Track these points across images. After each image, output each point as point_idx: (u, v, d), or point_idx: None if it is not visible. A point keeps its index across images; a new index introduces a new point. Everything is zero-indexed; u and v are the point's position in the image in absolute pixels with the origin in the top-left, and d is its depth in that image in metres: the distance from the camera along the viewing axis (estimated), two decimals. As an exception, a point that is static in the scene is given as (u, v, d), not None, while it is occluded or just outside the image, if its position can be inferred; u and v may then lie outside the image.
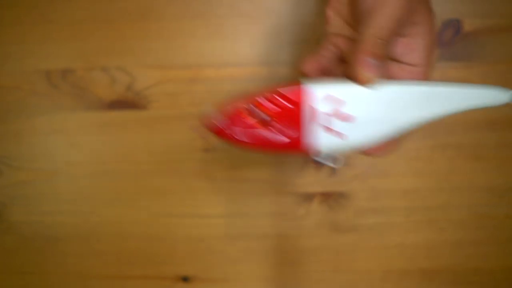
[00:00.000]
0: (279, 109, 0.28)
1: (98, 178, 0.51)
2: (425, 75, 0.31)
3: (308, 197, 0.51)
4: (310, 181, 0.51)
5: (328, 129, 0.28)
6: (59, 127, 0.50)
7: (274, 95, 0.28)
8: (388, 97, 0.29)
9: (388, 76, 0.32)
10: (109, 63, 0.49)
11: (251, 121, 0.28)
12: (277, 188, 0.51)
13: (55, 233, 0.52)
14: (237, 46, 0.48)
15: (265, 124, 0.28)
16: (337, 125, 0.28)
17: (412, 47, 0.31)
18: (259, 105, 0.28)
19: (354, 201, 0.51)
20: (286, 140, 0.28)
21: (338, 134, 0.29)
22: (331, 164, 0.30)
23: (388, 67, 0.32)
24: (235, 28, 0.48)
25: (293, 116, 0.28)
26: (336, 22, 0.35)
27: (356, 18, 0.32)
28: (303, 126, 0.28)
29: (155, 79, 0.48)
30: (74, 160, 0.50)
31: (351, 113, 0.29)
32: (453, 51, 0.48)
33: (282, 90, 0.28)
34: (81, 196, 0.51)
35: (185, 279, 0.52)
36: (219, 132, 0.29)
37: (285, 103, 0.28)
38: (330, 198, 0.51)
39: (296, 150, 0.29)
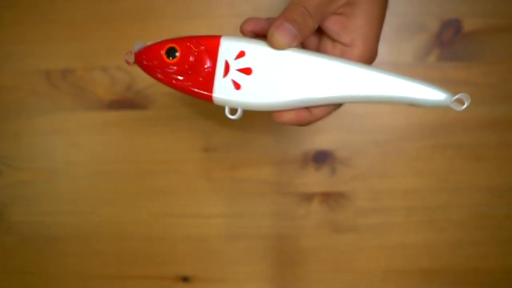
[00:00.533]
0: (194, 53, 0.30)
1: (98, 178, 0.51)
2: (361, 58, 0.30)
3: (308, 197, 0.51)
4: (310, 181, 0.51)
5: (227, 76, 0.29)
6: (59, 127, 0.50)
7: (194, 40, 0.30)
8: (296, 64, 0.29)
9: (319, 51, 0.31)
10: (109, 63, 0.49)
11: (167, 61, 0.30)
12: (277, 188, 0.51)
13: (55, 233, 0.52)
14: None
15: (178, 64, 0.30)
16: (236, 75, 0.29)
17: (344, 25, 0.30)
18: (179, 45, 0.30)
19: (354, 201, 0.51)
20: (190, 79, 0.30)
21: (235, 83, 0.29)
22: (228, 114, 0.30)
23: (324, 45, 0.31)
24: (235, 28, 0.48)
25: (205, 62, 0.30)
26: None
27: None
28: (212, 74, 0.30)
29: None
30: (74, 160, 0.50)
31: (249, 65, 0.29)
32: (453, 51, 0.48)
33: (202, 38, 0.30)
34: (81, 196, 0.51)
35: (185, 279, 0.52)
36: (140, 63, 0.31)
37: (203, 49, 0.30)
38: (330, 198, 0.51)
39: (200, 95, 0.30)
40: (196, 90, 0.30)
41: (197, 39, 0.30)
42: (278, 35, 0.28)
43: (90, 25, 0.48)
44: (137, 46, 0.31)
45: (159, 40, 0.31)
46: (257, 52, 0.29)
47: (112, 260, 0.52)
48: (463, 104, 0.27)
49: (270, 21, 0.32)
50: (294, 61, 0.29)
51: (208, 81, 0.30)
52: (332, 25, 0.30)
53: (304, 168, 0.50)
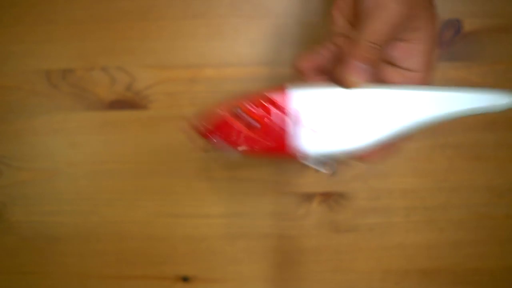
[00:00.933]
0: (265, 113, 0.28)
1: (98, 178, 0.51)
2: (423, 81, 0.30)
3: (308, 197, 0.51)
4: (310, 181, 0.51)
5: (312, 132, 0.29)
6: (59, 127, 0.50)
7: (260, 99, 0.29)
8: (376, 100, 0.29)
9: (384, 80, 0.31)
10: (109, 63, 0.49)
11: (238, 125, 0.29)
12: (277, 188, 0.51)
13: (55, 233, 0.52)
14: (237, 46, 0.48)
15: (251, 128, 0.29)
16: (321, 127, 0.29)
17: (410, 52, 0.30)
18: (245, 110, 0.29)
19: (354, 201, 0.51)
20: (272, 143, 0.29)
21: (324, 136, 0.29)
22: (322, 169, 0.30)
23: (384, 71, 0.31)
24: (235, 28, 0.48)
25: (278, 119, 0.29)
26: (340, 22, 0.34)
27: (357, 19, 0.31)
28: (288, 129, 0.29)
29: (155, 79, 0.48)
30: (74, 160, 0.50)
31: (335, 115, 0.29)
32: (453, 51, 0.48)
33: (268, 94, 0.29)
34: (81, 196, 0.51)
35: (185, 279, 0.52)
36: (206, 136, 0.29)
37: (271, 107, 0.29)
38: (330, 198, 0.51)
39: (282, 153, 0.29)
40: (283, 152, 0.29)
41: (262, 97, 0.29)
42: (351, 76, 0.28)
43: (90, 25, 0.48)
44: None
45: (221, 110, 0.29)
46: (331, 97, 0.29)
47: (112, 260, 0.52)
48: None
49: (324, 54, 0.31)
50: (370, 96, 0.29)
51: (290, 140, 0.29)
52: (395, 52, 0.30)
53: (304, 168, 0.50)
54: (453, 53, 0.48)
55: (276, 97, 0.29)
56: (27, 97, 0.49)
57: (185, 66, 0.48)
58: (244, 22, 0.47)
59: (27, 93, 0.49)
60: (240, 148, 0.29)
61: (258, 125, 0.28)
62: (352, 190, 0.51)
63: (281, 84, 0.29)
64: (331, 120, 0.29)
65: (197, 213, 0.51)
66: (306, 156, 0.29)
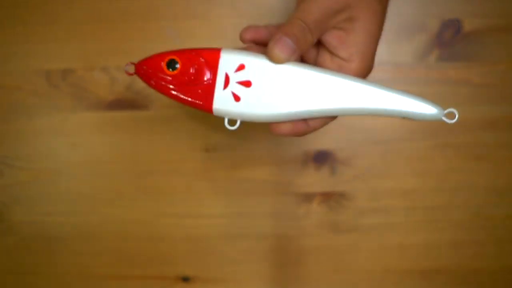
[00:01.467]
0: (190, 63, 0.31)
1: (98, 178, 0.51)
2: (355, 72, 0.31)
3: (308, 197, 0.51)
4: (310, 181, 0.51)
5: (226, 88, 0.30)
6: (59, 127, 0.50)
7: (194, 53, 0.31)
8: (294, 77, 0.30)
9: (319, 64, 0.32)
10: (109, 63, 0.49)
11: (167, 72, 0.31)
12: (277, 188, 0.51)
13: (56, 233, 0.52)
14: (237, 46, 0.48)
15: (177, 75, 0.31)
16: (235, 87, 0.30)
17: (344, 41, 0.30)
18: (178, 58, 0.31)
19: (354, 201, 0.51)
20: (189, 90, 0.31)
21: (234, 96, 0.30)
22: (227, 125, 0.31)
23: (321, 57, 0.32)
24: (235, 28, 0.48)
25: (201, 71, 0.31)
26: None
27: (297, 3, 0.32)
28: (211, 86, 0.31)
29: (155, 79, 0.48)
30: (74, 160, 0.50)
31: (249, 78, 0.30)
32: (453, 51, 0.48)
33: (202, 50, 0.31)
34: (81, 196, 0.51)
35: (185, 279, 0.52)
36: (140, 74, 0.31)
37: (203, 62, 0.31)
38: (330, 198, 0.51)
39: (197, 102, 0.31)
40: (196, 101, 0.31)
41: (198, 52, 0.31)
42: (277, 50, 0.29)
43: (90, 25, 0.48)
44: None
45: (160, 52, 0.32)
46: (256, 66, 0.30)
47: (112, 260, 0.52)
48: (454, 117, 0.29)
49: (270, 29, 0.33)
50: (292, 75, 0.30)
51: (208, 93, 0.31)
52: (331, 39, 0.31)
53: (304, 168, 0.50)
54: (453, 53, 0.48)
55: (209, 54, 0.31)
56: (28, 97, 0.49)
57: (185, 66, 0.48)
58: (244, 22, 0.47)
59: (27, 93, 0.49)
60: (161, 89, 0.31)
61: (183, 73, 0.31)
62: (352, 190, 0.51)
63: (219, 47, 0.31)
64: (245, 82, 0.30)
65: (197, 213, 0.51)
66: (216, 110, 0.31)
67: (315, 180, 0.51)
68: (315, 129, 0.33)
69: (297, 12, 0.30)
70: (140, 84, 0.49)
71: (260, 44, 0.33)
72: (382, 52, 0.48)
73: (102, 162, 0.51)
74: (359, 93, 0.30)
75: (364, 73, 0.31)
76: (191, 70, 0.31)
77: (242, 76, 0.30)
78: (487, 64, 0.48)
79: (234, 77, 0.30)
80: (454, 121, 0.29)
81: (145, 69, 0.31)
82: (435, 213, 0.51)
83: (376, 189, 0.51)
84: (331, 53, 0.31)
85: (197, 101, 0.31)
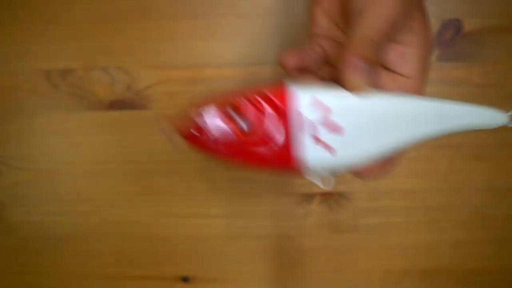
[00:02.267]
0: (261, 114, 0.23)
1: (98, 178, 0.51)
2: (417, 89, 0.28)
3: (308, 197, 0.51)
4: (310, 181, 0.51)
5: (317, 140, 0.24)
6: (59, 127, 0.50)
7: (256, 96, 0.24)
8: (380, 109, 0.26)
9: (377, 85, 0.29)
10: (109, 63, 0.49)
11: (228, 126, 0.24)
12: (277, 188, 0.51)
13: (55, 233, 0.52)
14: (237, 46, 0.48)
15: (244, 132, 0.24)
16: (326, 136, 0.24)
17: (405, 56, 0.28)
18: (238, 108, 0.24)
19: (354, 201, 0.51)
20: (269, 151, 0.24)
21: (327, 147, 0.25)
22: (320, 184, 0.26)
23: (377, 76, 0.29)
24: (235, 28, 0.48)
25: (277, 123, 0.24)
26: (323, 22, 0.32)
27: (347, 18, 0.29)
28: (289, 135, 0.24)
29: (155, 79, 0.48)
30: (74, 160, 0.50)
31: (340, 123, 0.25)
32: (453, 51, 0.48)
33: (266, 91, 0.24)
34: (81, 196, 0.51)
35: (185, 279, 0.52)
36: (190, 138, 0.24)
37: (268, 106, 0.23)
38: (330, 198, 0.51)
39: (281, 165, 0.25)
40: (280, 162, 0.24)
41: (257, 92, 0.23)
42: (354, 76, 0.25)
43: (90, 25, 0.48)
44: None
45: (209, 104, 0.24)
46: (341, 104, 0.25)
47: (112, 260, 0.52)
48: None
49: (313, 57, 0.29)
50: (377, 105, 0.25)
51: (289, 149, 0.24)
52: (391, 55, 0.28)
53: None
54: (453, 53, 0.48)
55: (274, 94, 0.24)
56: (27, 97, 0.49)
57: (185, 66, 0.48)
58: (244, 22, 0.47)
59: (27, 93, 0.49)
60: (226, 155, 0.24)
61: (249, 128, 0.24)
62: (352, 190, 0.51)
63: (279, 80, 0.25)
64: (335, 126, 0.24)
65: (197, 213, 0.51)
66: (307, 169, 0.25)
67: (315, 180, 0.51)
68: (395, 162, 0.29)
69: (361, 29, 0.26)
70: (140, 84, 0.49)
71: (302, 70, 0.29)
72: (382, 52, 0.48)
73: (102, 162, 0.51)
74: (438, 113, 0.26)
75: (422, 90, 0.28)
76: (266, 124, 0.23)
77: (330, 120, 0.24)
78: (487, 64, 0.48)
79: (321, 124, 0.24)
80: None
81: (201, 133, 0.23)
82: (435, 213, 0.51)
83: (376, 189, 0.50)
84: (389, 70, 0.28)
85: (281, 162, 0.24)
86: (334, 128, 0.24)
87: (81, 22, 0.48)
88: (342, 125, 0.24)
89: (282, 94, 0.24)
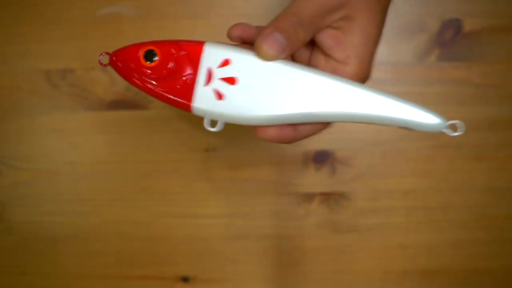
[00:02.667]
0: (175, 60, 0.28)
1: (98, 178, 0.51)
2: (348, 74, 0.28)
3: (308, 197, 0.51)
4: (310, 181, 0.51)
5: (210, 85, 0.28)
6: (59, 127, 0.50)
7: (176, 45, 0.28)
8: (285, 77, 0.27)
9: (312, 65, 0.30)
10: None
11: (144, 64, 0.28)
12: (277, 188, 0.51)
13: (55, 233, 0.52)
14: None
15: (156, 72, 0.28)
16: (219, 84, 0.27)
17: (339, 41, 0.28)
18: (157, 49, 0.28)
19: (354, 201, 0.51)
20: (167, 85, 0.28)
21: (218, 94, 0.27)
22: (208, 127, 0.28)
23: (315, 58, 0.30)
24: (235, 28, 0.48)
25: (180, 65, 0.28)
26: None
27: None
28: (187, 77, 0.28)
29: (155, 79, 0.48)
30: (74, 160, 0.50)
31: (235, 75, 0.27)
32: (453, 51, 0.48)
33: (185, 43, 0.28)
34: (81, 196, 0.51)
35: (185, 279, 0.52)
36: (115, 65, 0.29)
37: (184, 55, 0.28)
38: (330, 198, 0.51)
39: (175, 101, 0.28)
40: (173, 97, 0.28)
41: (179, 44, 0.28)
42: (266, 45, 0.27)
43: (90, 25, 0.48)
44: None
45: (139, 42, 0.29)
46: (243, 62, 0.28)
47: (112, 260, 0.52)
48: (456, 130, 0.27)
49: (260, 29, 0.30)
50: (282, 74, 0.27)
51: (188, 89, 0.28)
52: (326, 39, 0.29)
53: (304, 168, 0.50)
54: (453, 53, 0.48)
55: (191, 47, 0.28)
56: (27, 97, 0.49)
57: (185, 66, 0.48)
58: (244, 22, 0.47)
59: (27, 93, 0.49)
60: (137, 82, 0.28)
61: (162, 66, 0.28)
62: (352, 190, 0.51)
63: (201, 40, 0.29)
64: (230, 78, 0.27)
65: (197, 213, 0.51)
66: (196, 110, 0.28)
67: (315, 180, 0.51)
68: (304, 136, 0.30)
69: (290, 7, 0.27)
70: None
71: (248, 44, 0.30)
72: (382, 52, 0.48)
73: (102, 162, 0.51)
74: (354, 97, 0.27)
75: (360, 78, 0.29)
76: (170, 64, 0.28)
77: (227, 72, 0.27)
78: (487, 64, 0.48)
79: (218, 73, 0.28)
80: (456, 134, 0.27)
81: (120, 60, 0.28)
82: (435, 213, 0.51)
83: (376, 189, 0.50)
84: (326, 54, 0.29)
85: (175, 98, 0.28)
86: (228, 79, 0.28)
87: (81, 22, 0.48)
88: (237, 77, 0.27)
89: (195, 46, 0.28)
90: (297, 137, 0.30)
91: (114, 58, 0.28)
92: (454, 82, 0.48)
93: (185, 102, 0.28)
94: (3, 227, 0.52)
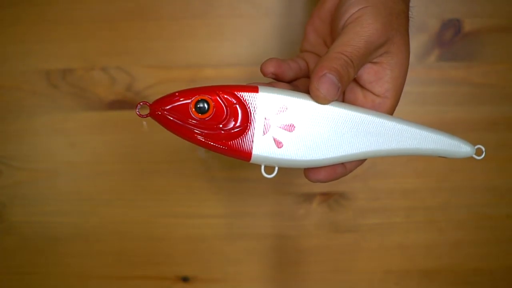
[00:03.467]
0: (229, 110, 0.27)
1: (98, 178, 0.51)
2: (388, 108, 0.30)
3: (308, 197, 0.51)
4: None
5: (274, 140, 0.28)
6: (59, 127, 0.50)
7: (227, 92, 0.27)
8: (338, 119, 0.28)
9: (350, 100, 0.31)
10: (109, 63, 0.49)
11: (196, 116, 0.27)
12: (277, 188, 0.51)
13: (55, 233, 0.52)
14: (237, 46, 0.48)
15: (209, 123, 0.27)
16: (277, 131, 0.27)
17: (380, 76, 0.29)
18: (207, 98, 0.27)
19: (354, 201, 0.51)
20: (227, 141, 0.27)
21: (276, 141, 0.28)
22: (263, 172, 0.28)
23: (352, 92, 0.31)
24: (235, 28, 0.48)
25: (235, 114, 0.27)
26: (312, 39, 0.34)
27: (333, 36, 0.31)
28: (244, 126, 0.27)
29: (155, 79, 0.48)
30: (74, 160, 0.50)
31: (293, 122, 0.27)
32: (453, 51, 0.48)
33: (237, 90, 0.27)
34: (81, 196, 0.51)
35: (185, 279, 0.52)
36: (158, 117, 0.27)
37: (237, 104, 0.27)
38: (330, 198, 0.51)
39: (235, 155, 0.28)
40: (232, 149, 0.27)
41: (231, 91, 0.27)
42: (323, 90, 0.27)
43: (90, 25, 0.48)
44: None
45: (180, 90, 0.28)
46: (299, 107, 0.27)
47: (112, 260, 0.52)
48: (481, 154, 0.30)
49: (291, 65, 0.31)
50: (336, 117, 0.28)
51: (246, 139, 0.27)
52: (366, 74, 0.29)
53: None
54: (453, 53, 0.48)
55: (245, 94, 0.27)
56: (27, 97, 0.49)
57: (185, 66, 0.48)
58: (244, 22, 0.48)
59: (27, 93, 0.49)
60: (189, 137, 0.27)
61: (216, 117, 0.27)
62: (352, 190, 0.51)
63: (254, 83, 0.29)
64: (288, 125, 0.28)
65: (197, 213, 0.51)
66: (253, 157, 0.28)
67: (315, 180, 0.51)
68: (351, 171, 0.31)
69: (339, 45, 0.27)
70: (140, 84, 0.49)
71: (280, 79, 0.31)
72: (382, 52, 0.48)
73: (102, 162, 0.51)
74: (399, 135, 0.28)
75: (395, 109, 0.30)
76: (224, 113, 0.27)
77: (285, 119, 0.27)
78: (487, 64, 0.48)
79: (276, 121, 0.27)
80: (482, 156, 0.29)
81: (165, 111, 0.26)
82: (435, 213, 0.51)
83: (376, 189, 0.50)
84: (364, 88, 0.30)
85: (233, 149, 0.27)
86: (287, 127, 0.28)
87: (81, 22, 0.48)
88: (295, 124, 0.27)
89: (252, 94, 0.27)
90: (346, 173, 0.31)
91: (157, 109, 0.27)
92: (454, 82, 0.48)
93: (245, 153, 0.27)
94: (3, 227, 0.52)
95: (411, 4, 0.31)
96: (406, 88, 0.50)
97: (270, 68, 0.30)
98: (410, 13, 0.31)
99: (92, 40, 0.48)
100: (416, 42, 0.48)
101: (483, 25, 0.47)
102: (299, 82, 0.33)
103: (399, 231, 0.51)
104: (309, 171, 0.30)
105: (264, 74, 0.31)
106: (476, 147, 0.29)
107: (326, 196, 0.51)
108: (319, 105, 0.28)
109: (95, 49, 0.48)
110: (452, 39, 0.48)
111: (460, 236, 0.51)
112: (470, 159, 0.49)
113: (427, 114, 0.49)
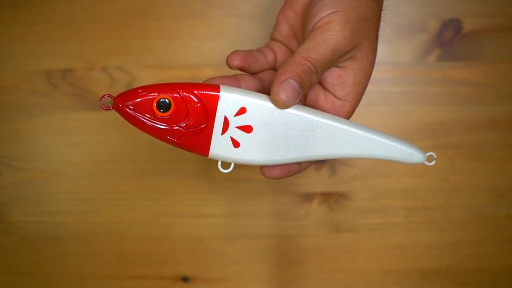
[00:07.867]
0: (189, 109, 0.28)
1: (98, 178, 0.51)
2: (346, 111, 0.30)
3: (308, 197, 0.51)
4: (310, 181, 0.51)
5: (228, 136, 0.29)
6: (59, 127, 0.50)
7: (189, 94, 0.28)
8: (294, 123, 0.29)
9: (311, 100, 0.31)
10: (109, 63, 0.49)
11: (158, 113, 0.28)
12: (277, 188, 0.51)
13: (55, 233, 0.52)
14: (237, 46, 0.48)
15: (170, 121, 0.28)
16: (235, 132, 0.29)
17: (342, 80, 0.29)
18: (173, 100, 0.28)
19: (354, 201, 0.51)
20: (187, 139, 0.29)
21: (235, 142, 0.29)
22: (220, 168, 0.30)
23: (315, 93, 0.31)
24: (235, 28, 0.48)
25: (199, 116, 0.28)
26: (284, 29, 0.34)
27: (303, 34, 0.30)
28: (209, 132, 0.28)
29: (155, 79, 0.48)
30: (74, 160, 0.50)
31: (250, 123, 0.29)
32: (453, 51, 0.48)
33: (199, 91, 0.28)
34: (81, 196, 0.51)
35: (185, 279, 0.52)
36: (121, 110, 0.28)
37: (198, 105, 0.28)
38: (330, 198, 0.51)
39: (193, 151, 0.29)
40: (189, 146, 0.29)
41: (192, 90, 0.28)
42: (283, 95, 0.27)
43: (90, 25, 0.48)
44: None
45: (142, 85, 0.28)
46: (258, 109, 0.28)
47: (112, 260, 0.52)
48: (432, 160, 0.30)
49: (258, 58, 0.31)
50: (293, 121, 0.29)
51: (204, 137, 0.29)
52: (330, 77, 0.30)
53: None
54: (453, 53, 0.48)
55: (206, 95, 0.28)
56: (27, 97, 0.49)
57: (185, 66, 0.48)
58: (244, 22, 0.48)
59: (27, 93, 0.49)
60: (148, 130, 0.29)
61: (176, 115, 0.28)
62: (352, 190, 0.51)
63: (218, 76, 0.30)
64: (246, 126, 0.29)
65: (197, 213, 0.51)
66: (217, 158, 0.29)
67: (315, 180, 0.51)
68: (305, 168, 0.32)
69: (305, 50, 0.28)
70: (140, 84, 0.48)
71: (246, 71, 0.32)
72: (382, 52, 0.48)
73: (102, 162, 0.51)
74: (352, 140, 0.29)
75: (353, 112, 0.31)
76: (185, 112, 0.28)
77: (243, 120, 0.28)
78: (487, 64, 0.48)
79: (234, 121, 0.28)
80: (433, 163, 0.30)
81: (128, 106, 0.28)
82: (436, 213, 0.51)
83: (376, 189, 0.50)
84: (326, 89, 0.30)
85: (191, 146, 0.29)
86: (245, 128, 0.29)
87: (81, 22, 0.48)
88: (253, 125, 0.29)
89: (213, 95, 0.28)
90: (301, 170, 0.32)
91: (119, 103, 0.28)
92: (454, 82, 0.48)
93: (202, 149, 0.29)
94: (3, 227, 0.52)
95: (385, 4, 0.31)
96: (406, 88, 0.50)
97: (235, 62, 0.30)
98: (382, 15, 0.30)
99: (92, 40, 0.48)
100: (416, 42, 0.48)
101: (483, 25, 0.47)
102: (264, 75, 0.33)
103: (399, 231, 0.51)
104: (264, 168, 0.31)
105: (230, 67, 0.31)
106: (428, 154, 0.30)
107: (326, 196, 0.51)
108: (277, 108, 0.28)
109: (95, 49, 0.48)
110: (452, 39, 0.48)
111: (460, 236, 0.51)
112: (471, 159, 0.50)
113: (427, 114, 0.49)
